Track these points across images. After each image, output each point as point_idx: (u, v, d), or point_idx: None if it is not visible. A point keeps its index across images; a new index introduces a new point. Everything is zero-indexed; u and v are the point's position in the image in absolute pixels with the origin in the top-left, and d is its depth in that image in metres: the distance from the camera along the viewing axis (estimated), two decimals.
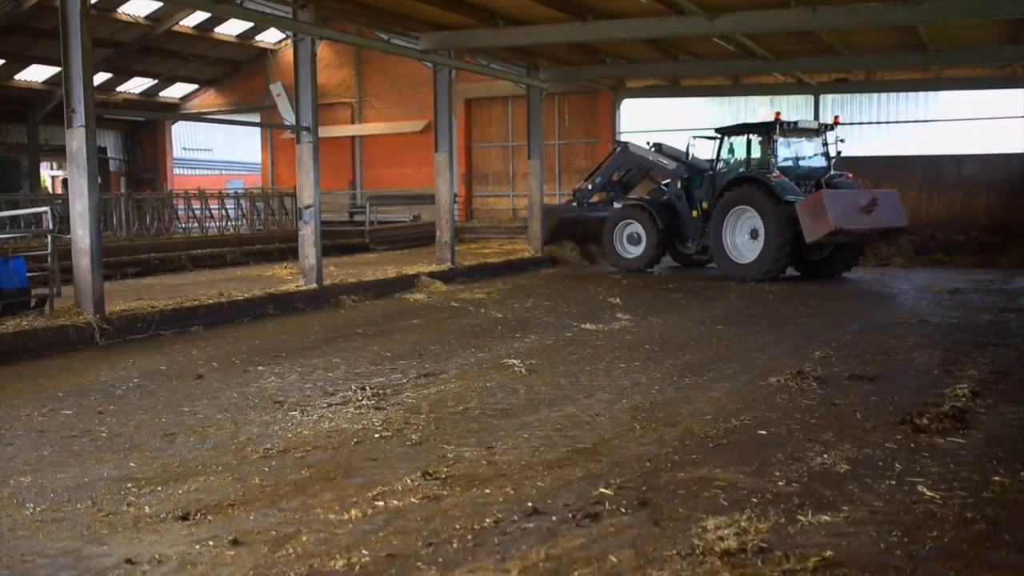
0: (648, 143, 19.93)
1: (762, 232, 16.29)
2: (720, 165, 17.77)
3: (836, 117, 18.20)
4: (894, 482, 5.20)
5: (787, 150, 17.29)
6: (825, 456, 5.69)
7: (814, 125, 17.79)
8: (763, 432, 6.32)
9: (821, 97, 24.28)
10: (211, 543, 4.35)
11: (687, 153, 18.63)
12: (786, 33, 17.32)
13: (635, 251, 18.85)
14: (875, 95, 24.17)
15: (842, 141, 17.25)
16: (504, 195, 28.62)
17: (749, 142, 17.26)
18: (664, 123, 24.96)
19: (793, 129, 17.13)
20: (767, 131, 16.88)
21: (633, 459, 5.68)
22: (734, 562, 4.05)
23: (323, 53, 24.81)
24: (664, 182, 19.31)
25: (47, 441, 6.29)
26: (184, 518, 4.70)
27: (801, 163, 17.45)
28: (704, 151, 18.59)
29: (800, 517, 4.61)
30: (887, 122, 24.27)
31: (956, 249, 20.94)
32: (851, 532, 4.44)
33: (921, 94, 23.86)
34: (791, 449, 5.88)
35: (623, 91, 26.15)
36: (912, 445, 5.97)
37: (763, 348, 9.77)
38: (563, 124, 27.65)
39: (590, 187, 20.38)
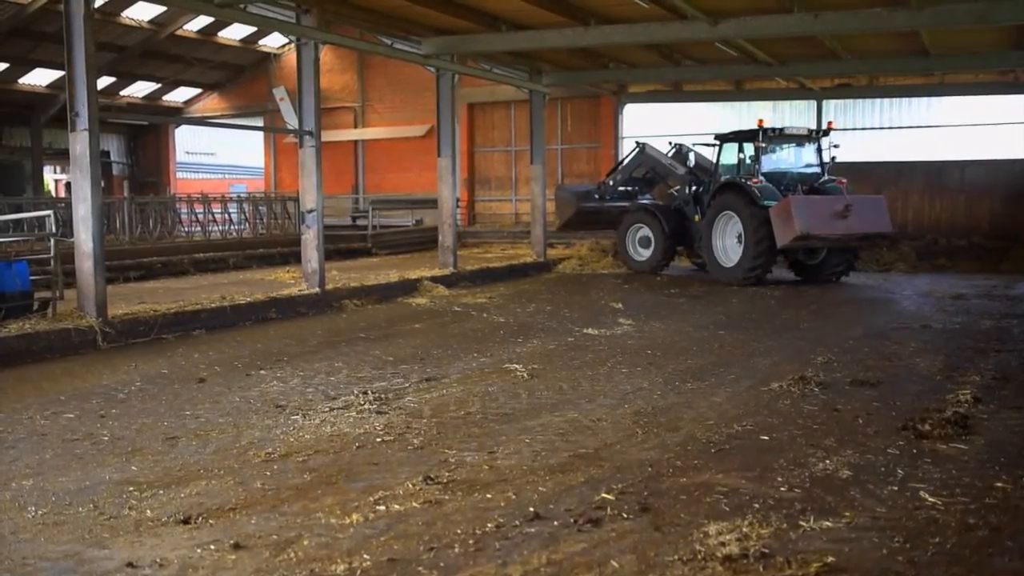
0: (670, 144, 20.07)
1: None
2: (720, 171, 17.97)
3: (830, 123, 18.30)
4: (896, 488, 5.20)
5: (774, 156, 17.58)
6: (827, 462, 5.68)
7: (803, 131, 17.86)
8: (765, 437, 6.32)
9: (824, 102, 24.28)
10: (212, 547, 4.36)
11: (687, 159, 18.89)
12: (788, 38, 17.34)
13: (645, 254, 19.33)
14: (877, 100, 24.17)
15: (836, 147, 17.37)
16: (506, 199, 28.63)
17: (740, 148, 17.55)
18: (667, 128, 24.95)
19: (779, 135, 17.39)
20: (751, 138, 17.14)
21: (635, 464, 5.68)
22: (736, 568, 4.05)
23: (326, 57, 24.88)
24: (675, 188, 19.58)
25: (49, 444, 6.29)
26: (185, 522, 4.70)
27: (792, 169, 17.65)
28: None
29: (802, 523, 4.60)
30: (889, 127, 24.26)
31: (959, 254, 20.89)
32: (853, 538, 4.43)
33: (924, 99, 23.86)
34: (793, 454, 5.88)
35: (625, 95, 26.16)
36: (914, 451, 5.96)
37: (765, 353, 9.76)
38: (565, 129, 27.67)
39: (611, 183, 20.74)
